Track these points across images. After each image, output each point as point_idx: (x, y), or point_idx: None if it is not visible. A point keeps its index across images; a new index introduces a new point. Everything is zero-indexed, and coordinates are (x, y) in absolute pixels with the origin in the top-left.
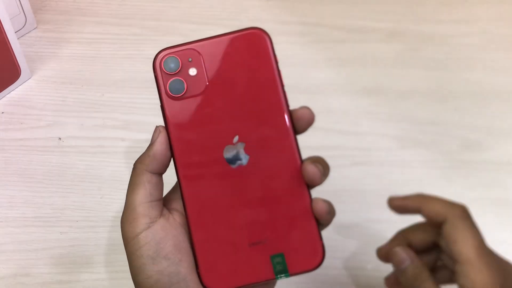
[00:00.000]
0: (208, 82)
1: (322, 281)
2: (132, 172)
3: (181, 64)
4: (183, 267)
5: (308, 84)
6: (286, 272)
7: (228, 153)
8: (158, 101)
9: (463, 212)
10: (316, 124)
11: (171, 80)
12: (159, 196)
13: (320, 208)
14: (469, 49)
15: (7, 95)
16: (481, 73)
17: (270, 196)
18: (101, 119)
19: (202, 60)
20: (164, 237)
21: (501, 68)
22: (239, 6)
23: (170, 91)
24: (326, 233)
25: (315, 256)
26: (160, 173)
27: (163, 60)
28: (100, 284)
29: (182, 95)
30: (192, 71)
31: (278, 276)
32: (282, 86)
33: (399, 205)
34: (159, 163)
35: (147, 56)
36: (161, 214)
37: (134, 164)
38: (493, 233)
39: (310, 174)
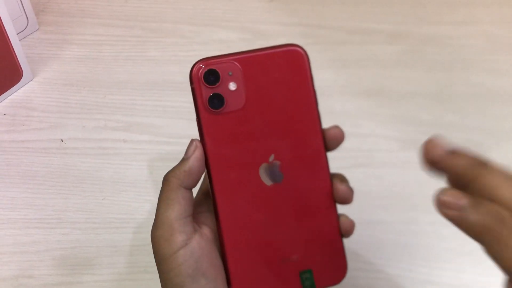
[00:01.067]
0: (247, 98)
1: None
2: (164, 186)
3: (222, 78)
4: (219, 284)
5: None
6: (314, 287)
7: (264, 172)
8: (159, 103)
9: None
10: None
11: (212, 93)
12: (191, 211)
13: (348, 226)
14: (471, 51)
15: (9, 97)
16: (483, 75)
17: (301, 214)
18: (103, 121)
19: (242, 75)
20: (202, 254)
21: (503, 70)
22: (241, 7)
23: (209, 105)
24: None
25: (340, 271)
26: (192, 187)
27: (204, 72)
28: (102, 285)
29: (221, 110)
30: (232, 86)
31: None
32: (317, 105)
33: None
34: (194, 178)
35: (149, 58)
36: (194, 230)
37: (167, 177)
38: None
39: (345, 194)
